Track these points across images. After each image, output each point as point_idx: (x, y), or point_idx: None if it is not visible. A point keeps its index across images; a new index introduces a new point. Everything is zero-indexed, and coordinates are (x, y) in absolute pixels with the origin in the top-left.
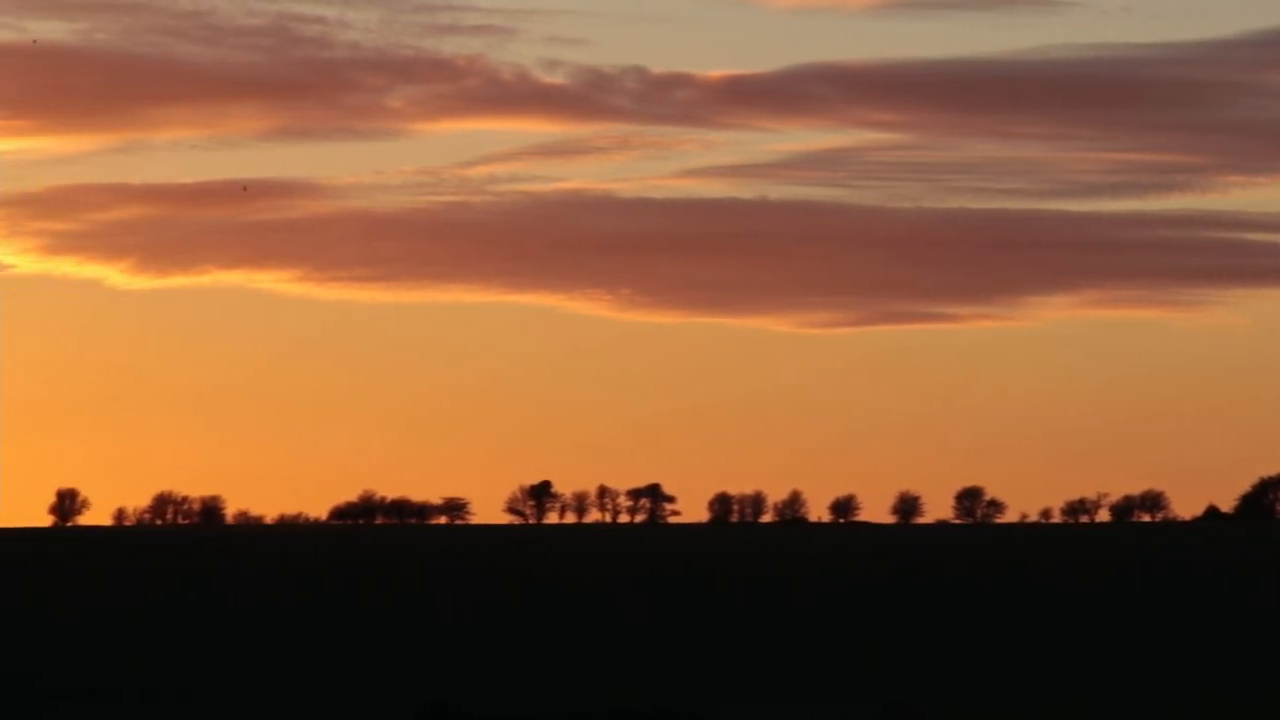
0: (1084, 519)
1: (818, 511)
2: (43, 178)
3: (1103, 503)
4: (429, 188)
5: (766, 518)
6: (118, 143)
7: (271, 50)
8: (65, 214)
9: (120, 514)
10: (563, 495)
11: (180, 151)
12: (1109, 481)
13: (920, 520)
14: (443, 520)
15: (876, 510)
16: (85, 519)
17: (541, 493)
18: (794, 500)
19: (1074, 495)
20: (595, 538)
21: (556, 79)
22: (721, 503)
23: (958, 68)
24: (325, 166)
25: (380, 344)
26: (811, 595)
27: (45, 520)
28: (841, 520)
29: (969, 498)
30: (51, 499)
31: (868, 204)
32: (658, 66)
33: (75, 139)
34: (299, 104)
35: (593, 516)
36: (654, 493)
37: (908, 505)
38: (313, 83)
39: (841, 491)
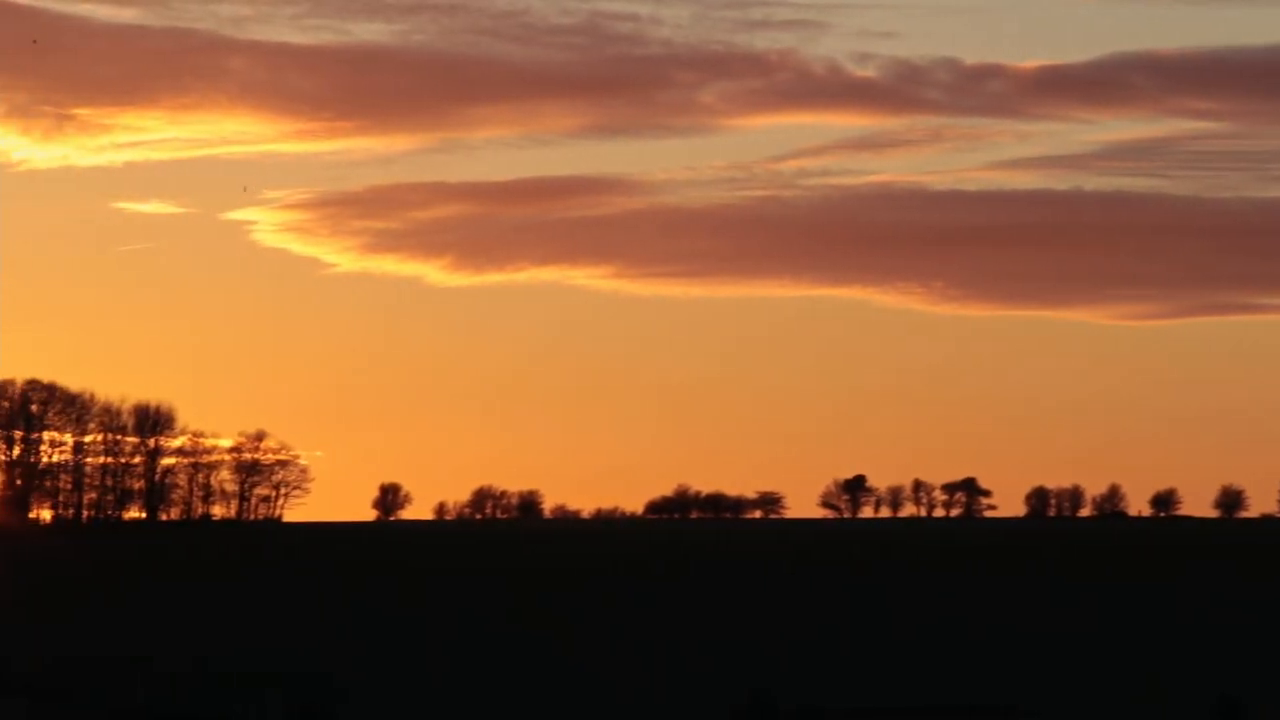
0: None
1: (1137, 505)
2: (363, 177)
3: None
4: (740, 183)
5: (1084, 511)
6: (435, 142)
7: (585, 49)
8: (385, 213)
9: (441, 508)
10: (877, 489)
11: (495, 150)
12: None
13: (1244, 514)
14: (757, 514)
15: (1198, 504)
16: (407, 513)
17: (856, 487)
18: (1113, 494)
19: None
20: (910, 531)
21: (868, 72)
22: (1038, 496)
23: (1278, 54)
24: (637, 163)
25: (693, 338)
26: (1133, 590)
27: (369, 515)
28: (1162, 514)
29: None
30: (375, 493)
31: (1186, 194)
32: (970, 58)
33: (394, 139)
34: (612, 101)
35: (907, 510)
36: (969, 486)
37: (1231, 499)
38: (625, 80)
39: (1162, 485)
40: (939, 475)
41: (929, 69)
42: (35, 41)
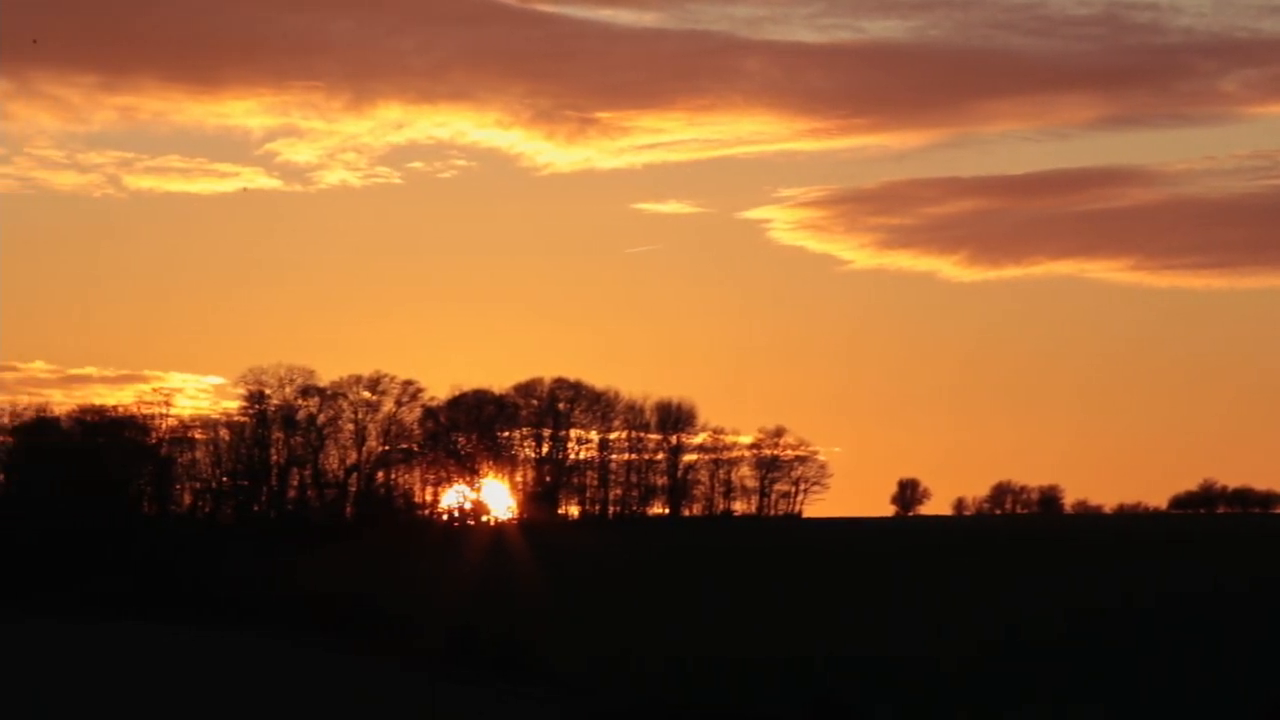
0: None
1: None
2: (877, 174)
3: None
4: (1264, 172)
5: None
6: (948, 137)
7: (1102, 39)
8: (899, 209)
9: (960, 504)
10: None
11: (1010, 143)
12: None
13: None
14: None
15: None
16: (925, 509)
17: None
18: None
19: None
20: None
21: None
22: None
23: None
24: (1156, 154)
25: (1215, 331)
26: None
27: (887, 510)
28: None
29: None
30: (893, 489)
31: None
32: None
33: (907, 135)
34: (1130, 92)
35: None
36: None
37: None
38: (1144, 70)
39: None
40: None
41: None
42: (35, 41)
